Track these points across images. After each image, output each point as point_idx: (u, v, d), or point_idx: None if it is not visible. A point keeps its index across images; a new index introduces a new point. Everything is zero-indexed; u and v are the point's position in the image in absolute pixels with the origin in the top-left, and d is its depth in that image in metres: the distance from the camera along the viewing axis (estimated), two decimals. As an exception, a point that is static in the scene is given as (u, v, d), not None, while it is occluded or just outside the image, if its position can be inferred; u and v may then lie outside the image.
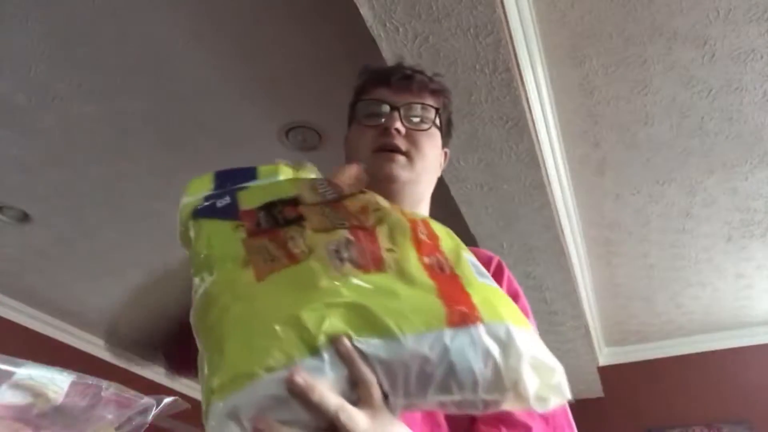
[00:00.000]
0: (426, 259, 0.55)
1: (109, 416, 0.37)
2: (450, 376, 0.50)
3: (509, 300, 0.58)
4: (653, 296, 3.43)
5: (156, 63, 2.04)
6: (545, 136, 2.11)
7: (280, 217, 0.57)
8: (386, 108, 0.92)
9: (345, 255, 0.53)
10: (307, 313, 0.48)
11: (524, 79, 1.79)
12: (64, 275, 3.36)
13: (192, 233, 0.59)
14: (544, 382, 0.53)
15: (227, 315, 0.50)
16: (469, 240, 2.42)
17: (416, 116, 0.93)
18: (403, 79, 0.94)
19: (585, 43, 1.91)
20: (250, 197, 0.60)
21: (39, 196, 2.73)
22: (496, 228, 2.39)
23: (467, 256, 0.60)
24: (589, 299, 3.32)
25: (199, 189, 0.64)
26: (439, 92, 0.98)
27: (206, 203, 0.61)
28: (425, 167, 0.92)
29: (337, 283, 0.51)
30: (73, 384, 0.36)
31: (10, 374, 0.34)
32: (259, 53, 2.00)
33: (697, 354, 3.85)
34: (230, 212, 0.58)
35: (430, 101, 0.95)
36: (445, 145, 1.01)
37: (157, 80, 2.12)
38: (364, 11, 1.54)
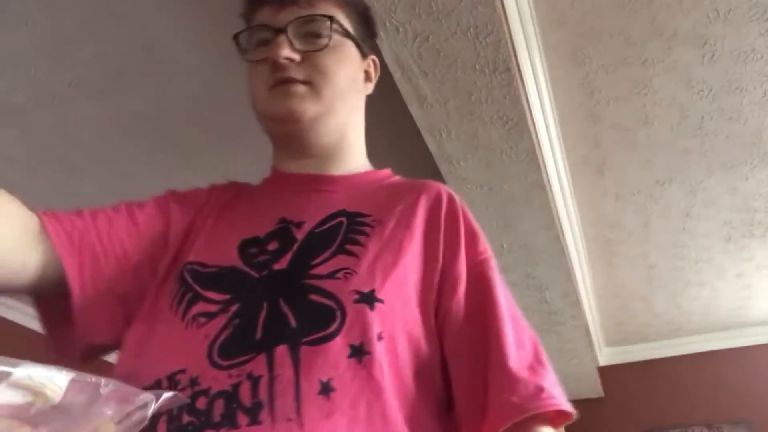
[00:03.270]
0: None
1: (109, 412, 0.37)
2: None
3: None
4: (653, 296, 3.43)
5: (156, 63, 2.04)
6: (545, 136, 2.11)
7: None
8: (269, 34, 0.73)
9: None
10: None
11: (524, 79, 1.79)
12: (64, 275, 3.36)
13: None
14: None
15: None
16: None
17: (311, 33, 0.74)
18: None
19: (585, 43, 1.91)
20: None
21: (39, 196, 2.73)
22: (496, 228, 2.38)
23: None
24: (589, 299, 3.32)
25: None
26: None
27: None
28: (338, 92, 0.74)
29: None
30: (72, 382, 0.36)
31: (8, 374, 0.34)
32: (259, 53, 2.00)
33: (698, 354, 3.85)
34: None
35: (323, 9, 0.75)
36: (369, 51, 0.83)
37: (157, 80, 2.12)
38: (364, 11, 1.54)
